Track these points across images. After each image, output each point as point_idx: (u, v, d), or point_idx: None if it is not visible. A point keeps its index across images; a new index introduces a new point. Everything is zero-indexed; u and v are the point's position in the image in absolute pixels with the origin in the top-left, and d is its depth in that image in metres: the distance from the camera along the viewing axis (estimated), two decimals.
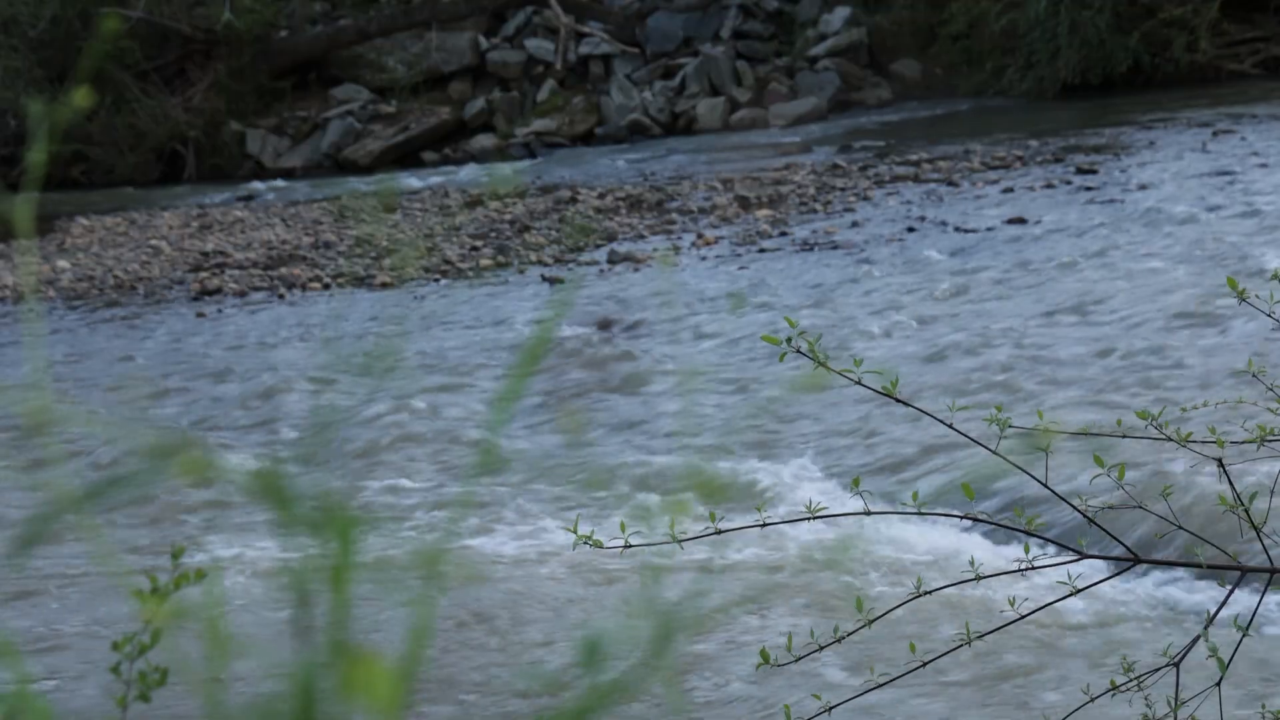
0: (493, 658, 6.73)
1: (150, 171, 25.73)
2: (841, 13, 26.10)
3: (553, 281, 14.98)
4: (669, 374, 11.13)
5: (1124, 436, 3.17)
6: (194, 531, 8.49)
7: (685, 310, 13.06)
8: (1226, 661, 2.95)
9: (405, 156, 25.37)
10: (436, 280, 15.59)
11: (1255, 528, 3.04)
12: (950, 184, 17.84)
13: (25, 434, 10.15)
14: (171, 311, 15.30)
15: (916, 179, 18.39)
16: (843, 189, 18.11)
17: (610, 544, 2.94)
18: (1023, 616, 3.08)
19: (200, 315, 14.93)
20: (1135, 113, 21.54)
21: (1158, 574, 6.96)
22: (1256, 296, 3.14)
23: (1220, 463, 3.07)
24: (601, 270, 15.23)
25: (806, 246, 15.38)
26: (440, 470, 9.45)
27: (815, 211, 17.14)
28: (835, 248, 15.17)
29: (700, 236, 16.28)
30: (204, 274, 16.77)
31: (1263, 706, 3.59)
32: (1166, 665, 3.08)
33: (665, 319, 12.87)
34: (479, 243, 16.99)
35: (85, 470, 9.29)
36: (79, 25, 25.36)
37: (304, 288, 15.79)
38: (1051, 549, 3.48)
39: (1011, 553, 6.47)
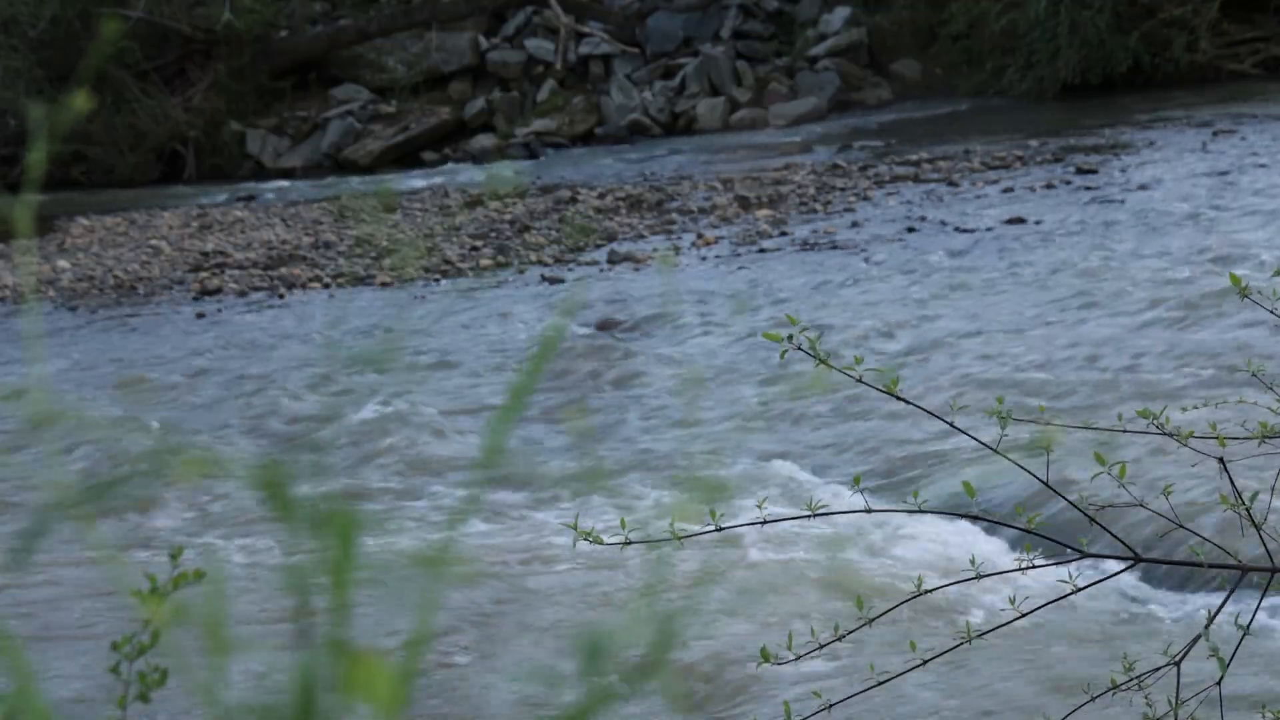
0: (493, 657, 6.73)
1: (150, 171, 25.72)
2: (841, 13, 26.10)
3: (553, 281, 14.98)
4: (670, 373, 11.13)
5: (1124, 432, 3.17)
6: (193, 531, 8.49)
7: (686, 310, 13.06)
8: (1227, 661, 2.95)
9: (405, 156, 25.37)
10: (436, 280, 15.59)
11: (1256, 526, 3.04)
12: (950, 184, 17.84)
13: (26, 433, 10.15)
14: (171, 311, 15.30)
15: (916, 179, 18.39)
16: (843, 189, 18.11)
17: (610, 541, 2.94)
18: (1023, 615, 3.08)
19: (200, 315, 14.92)
20: (1135, 113, 21.53)
21: (1158, 573, 6.96)
22: (1259, 293, 3.14)
23: (1221, 461, 3.07)
24: (601, 270, 15.22)
25: (807, 246, 15.38)
26: (441, 469, 9.45)
27: (815, 211, 17.14)
28: (835, 248, 15.17)
29: (700, 236, 16.28)
30: (204, 274, 16.77)
31: (1263, 707, 3.59)
32: (1167, 665, 3.08)
33: (666, 319, 12.86)
34: (479, 243, 16.99)
35: (85, 470, 9.29)
36: (79, 25, 25.35)
37: (304, 288, 15.79)
38: (1052, 548, 3.48)
39: (1012, 551, 6.47)
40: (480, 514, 8.29)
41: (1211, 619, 3.06)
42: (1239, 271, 11.49)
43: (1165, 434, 3.06)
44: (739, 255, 15.25)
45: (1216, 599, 4.84)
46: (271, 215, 19.96)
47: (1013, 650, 6.31)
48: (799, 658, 2.97)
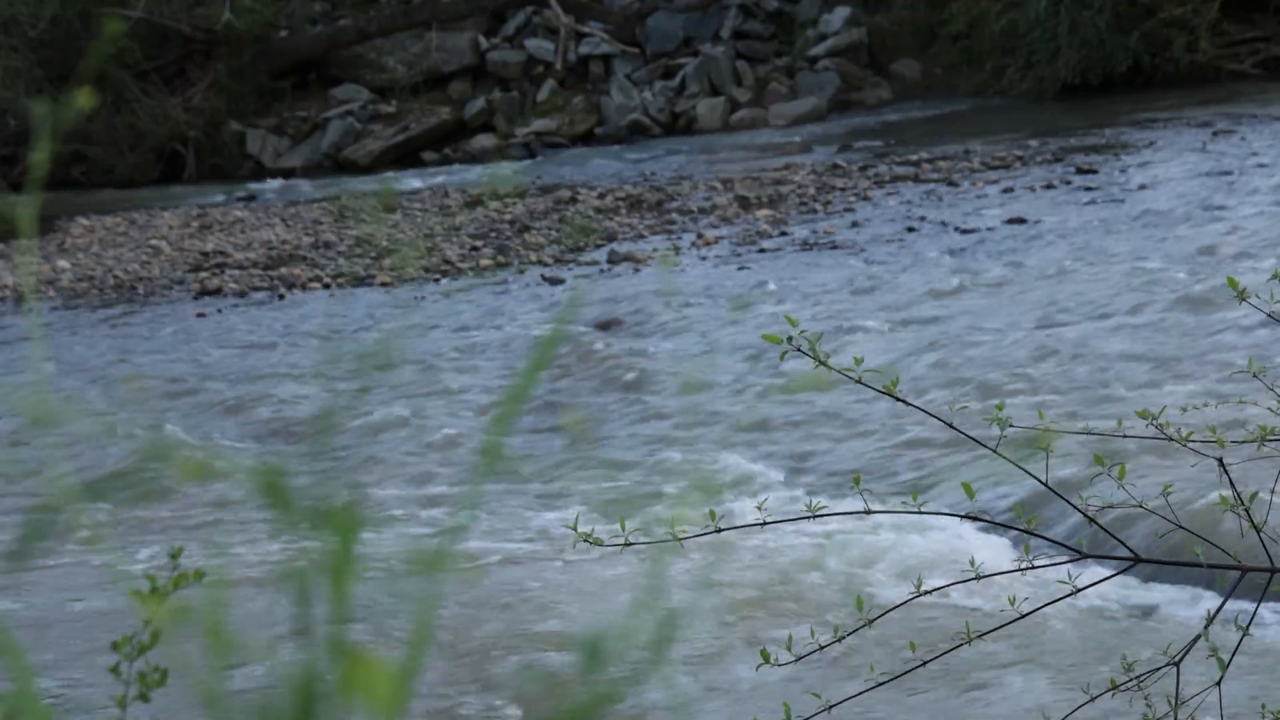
0: (493, 657, 6.73)
1: (150, 171, 25.72)
2: (841, 13, 26.10)
3: (553, 281, 14.98)
4: (670, 374, 11.13)
5: (1124, 436, 3.17)
6: (193, 531, 8.49)
7: (685, 310, 13.06)
8: (1226, 661, 2.95)
9: (405, 156, 25.37)
10: (436, 280, 15.60)
11: (1255, 527, 3.04)
12: (950, 184, 17.84)
13: (27, 433, 10.15)
14: (171, 311, 15.30)
15: (916, 179, 18.39)
16: (843, 189, 18.11)
17: (610, 542, 2.94)
18: (1022, 616, 3.08)
19: (200, 315, 14.93)
20: (1135, 113, 21.53)
21: (1158, 573, 6.96)
22: (1256, 296, 3.14)
23: (1220, 462, 3.07)
24: (601, 270, 15.23)
25: (806, 246, 15.38)
26: (441, 470, 9.45)
27: (815, 211, 17.14)
28: (835, 248, 15.17)
29: (700, 236, 16.28)
30: (204, 274, 16.77)
31: (1263, 707, 3.59)
32: (1166, 665, 3.08)
33: (666, 319, 12.86)
34: (479, 243, 16.99)
35: (84, 470, 9.29)
36: (79, 25, 25.35)
37: (304, 288, 15.79)
38: (1052, 549, 3.48)
39: (1011, 553, 6.48)
40: (478, 514, 8.29)
41: (1211, 619, 3.06)
42: (1239, 271, 11.49)
43: (1165, 437, 3.07)
44: (739, 255, 15.25)
45: (1216, 599, 4.84)
46: (271, 215, 19.96)
47: (1012, 650, 6.31)
48: (798, 659, 2.98)
